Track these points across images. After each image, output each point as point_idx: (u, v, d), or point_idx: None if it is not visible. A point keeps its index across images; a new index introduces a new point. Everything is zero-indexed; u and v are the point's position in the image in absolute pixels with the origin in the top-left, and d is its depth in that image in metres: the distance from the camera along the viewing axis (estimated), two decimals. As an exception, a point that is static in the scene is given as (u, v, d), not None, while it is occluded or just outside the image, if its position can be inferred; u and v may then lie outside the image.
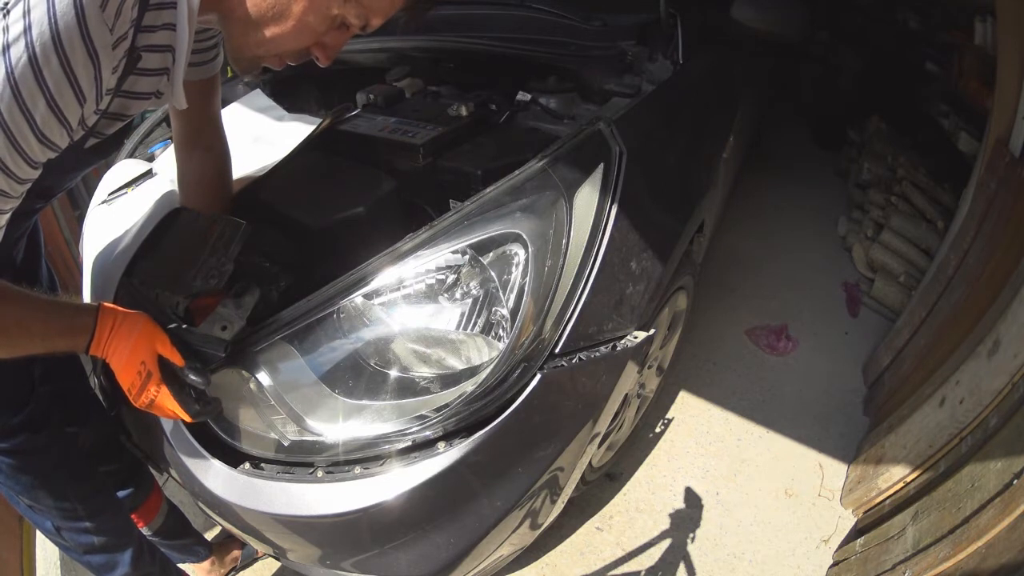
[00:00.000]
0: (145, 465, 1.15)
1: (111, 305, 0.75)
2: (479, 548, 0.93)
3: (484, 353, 0.88)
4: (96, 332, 0.72)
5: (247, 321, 0.85)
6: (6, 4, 0.49)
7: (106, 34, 0.53)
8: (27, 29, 0.48)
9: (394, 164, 1.19)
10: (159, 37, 0.60)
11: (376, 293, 0.89)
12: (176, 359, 0.75)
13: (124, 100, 0.65)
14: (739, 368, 1.87)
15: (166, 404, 0.75)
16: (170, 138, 1.24)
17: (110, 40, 0.54)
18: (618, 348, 0.98)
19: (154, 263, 0.91)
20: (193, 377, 0.75)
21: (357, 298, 0.89)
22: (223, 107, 1.48)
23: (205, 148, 0.97)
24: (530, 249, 0.88)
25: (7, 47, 0.49)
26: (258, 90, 1.57)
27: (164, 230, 0.93)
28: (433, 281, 0.90)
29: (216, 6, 0.64)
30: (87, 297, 1.20)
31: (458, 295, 0.90)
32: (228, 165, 1.03)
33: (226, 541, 1.38)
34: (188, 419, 0.77)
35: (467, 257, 0.89)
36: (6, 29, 0.48)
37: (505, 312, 0.88)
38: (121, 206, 1.27)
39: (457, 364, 0.89)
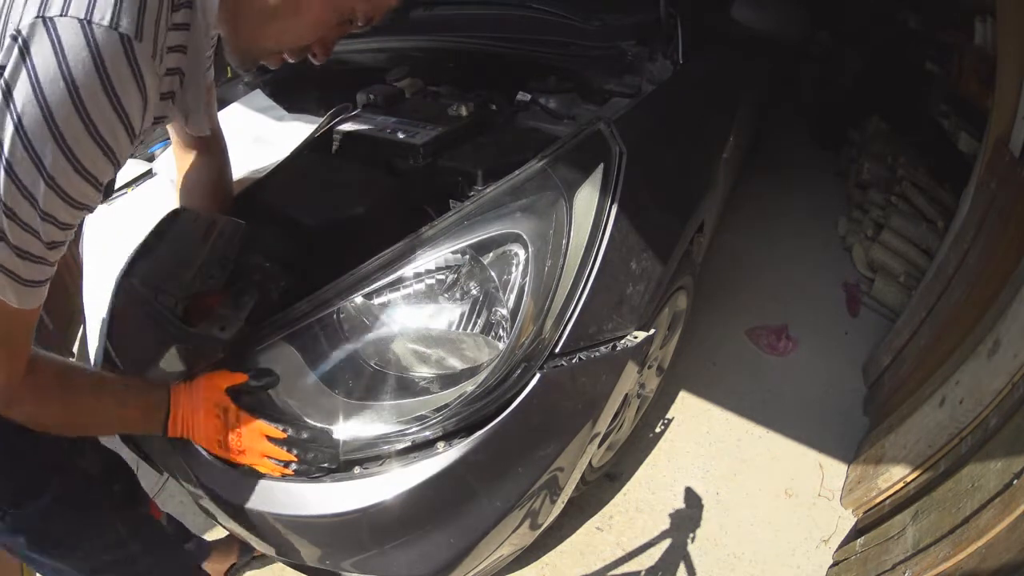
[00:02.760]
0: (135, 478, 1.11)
1: (177, 385, 0.78)
2: (479, 548, 0.93)
3: (484, 353, 0.88)
4: (171, 412, 0.76)
5: (246, 321, 0.85)
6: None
7: (156, 81, 0.52)
8: (67, 79, 0.46)
9: (394, 164, 1.19)
10: (169, 60, 0.59)
11: (376, 293, 0.90)
12: (238, 377, 0.78)
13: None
14: (739, 368, 1.87)
15: (255, 433, 0.78)
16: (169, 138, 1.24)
17: (157, 85, 0.53)
18: (618, 348, 0.98)
19: (153, 263, 0.92)
20: (254, 383, 0.79)
21: (357, 298, 0.89)
22: (223, 107, 1.49)
23: (203, 150, 0.97)
24: (530, 249, 0.89)
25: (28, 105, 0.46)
26: (258, 90, 1.57)
27: (163, 230, 0.93)
28: (433, 281, 0.90)
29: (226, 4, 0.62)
30: (87, 297, 1.20)
31: (458, 295, 0.90)
32: (227, 166, 1.03)
33: (225, 542, 1.37)
34: (280, 435, 0.79)
35: (467, 257, 0.89)
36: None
37: (505, 312, 0.88)
38: (121, 206, 1.27)
39: (457, 364, 0.89)
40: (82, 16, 0.46)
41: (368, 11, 0.68)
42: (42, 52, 0.45)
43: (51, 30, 0.45)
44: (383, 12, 0.70)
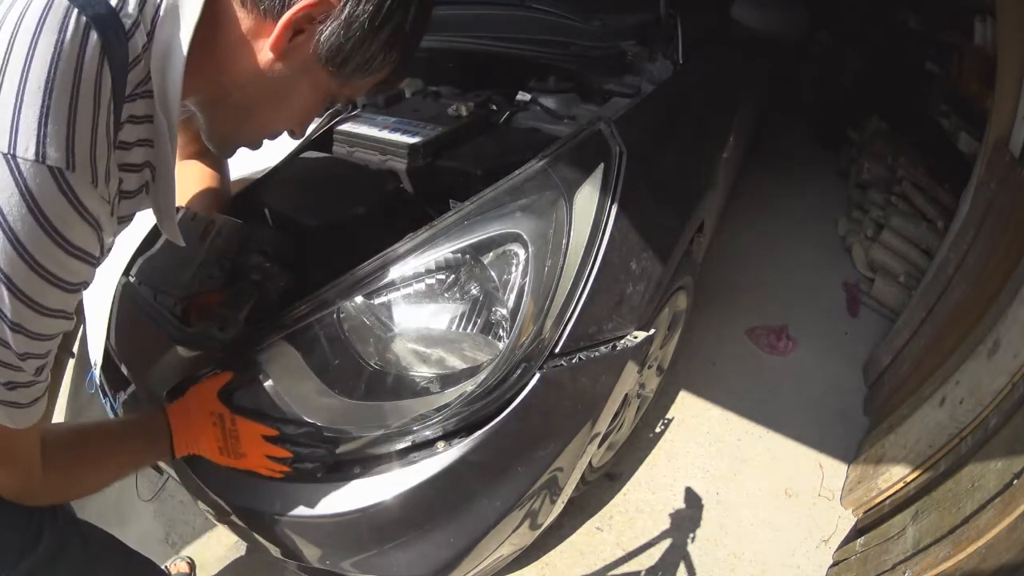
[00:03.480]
0: None
1: (172, 406, 0.78)
2: (479, 548, 0.93)
3: (484, 353, 0.88)
4: (173, 435, 0.76)
5: (245, 321, 0.85)
6: None
7: (105, 206, 0.47)
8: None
9: (394, 164, 1.19)
10: (136, 155, 0.52)
11: (376, 293, 0.89)
12: (224, 378, 0.80)
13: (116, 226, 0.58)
14: (739, 368, 1.87)
15: (252, 435, 0.78)
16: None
17: (108, 208, 0.48)
18: (618, 348, 0.98)
19: (152, 263, 0.92)
20: (242, 375, 0.81)
21: (357, 298, 0.89)
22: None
23: (200, 150, 0.97)
24: (530, 249, 0.89)
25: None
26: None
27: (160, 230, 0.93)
28: (433, 281, 0.90)
29: (201, 90, 0.56)
30: (87, 297, 1.20)
31: (458, 295, 0.90)
32: (224, 165, 1.02)
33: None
34: (274, 432, 0.79)
35: (467, 257, 0.89)
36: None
37: (505, 312, 0.88)
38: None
39: (457, 364, 0.89)
40: (5, 149, 0.40)
41: (350, 94, 0.65)
42: None
43: None
44: (361, 93, 0.68)
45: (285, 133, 0.67)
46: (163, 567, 1.33)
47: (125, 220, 0.58)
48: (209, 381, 0.80)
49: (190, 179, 0.98)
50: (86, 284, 0.51)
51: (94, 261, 0.49)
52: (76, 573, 0.82)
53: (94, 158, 0.44)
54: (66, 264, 0.46)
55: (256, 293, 0.87)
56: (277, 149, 1.23)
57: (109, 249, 0.53)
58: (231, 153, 0.68)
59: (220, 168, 1.01)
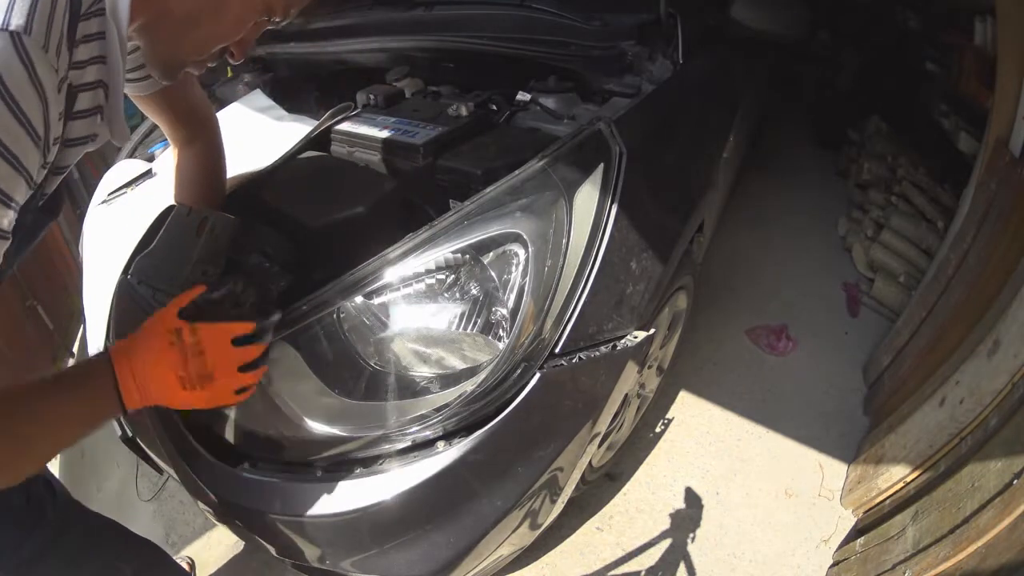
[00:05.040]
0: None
1: (116, 344, 0.66)
2: (479, 548, 0.93)
3: (484, 353, 0.88)
4: (118, 376, 0.62)
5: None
6: None
7: (53, 76, 0.49)
8: None
9: (394, 164, 1.19)
10: (90, 73, 0.55)
11: (376, 293, 0.90)
12: (192, 293, 0.68)
13: (63, 150, 0.59)
14: (739, 368, 1.87)
15: (220, 342, 0.65)
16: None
17: (55, 81, 0.50)
18: (618, 348, 0.98)
19: (149, 260, 0.92)
20: (215, 293, 0.69)
21: (357, 298, 0.89)
22: (223, 108, 1.49)
23: (187, 142, 0.96)
24: (530, 249, 0.89)
25: None
26: (258, 90, 1.57)
27: (158, 227, 0.93)
28: (433, 281, 0.90)
29: (148, 9, 0.59)
30: (87, 297, 1.20)
31: (458, 295, 0.90)
32: (215, 159, 1.00)
33: None
34: (248, 328, 0.68)
35: (467, 257, 0.89)
36: None
37: (505, 312, 0.88)
38: (121, 206, 1.27)
39: (457, 364, 0.89)
40: None
41: (285, 5, 0.67)
42: None
43: None
44: (299, 6, 0.69)
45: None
46: None
47: (78, 143, 0.59)
48: (171, 304, 0.68)
49: (181, 173, 0.97)
50: (23, 167, 0.49)
51: (36, 139, 0.49)
52: (79, 550, 0.83)
53: (50, 27, 0.47)
54: (12, 132, 0.47)
55: (254, 292, 0.87)
56: (277, 150, 1.23)
57: (54, 143, 0.53)
58: (175, 76, 0.68)
59: (207, 162, 0.99)
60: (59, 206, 0.73)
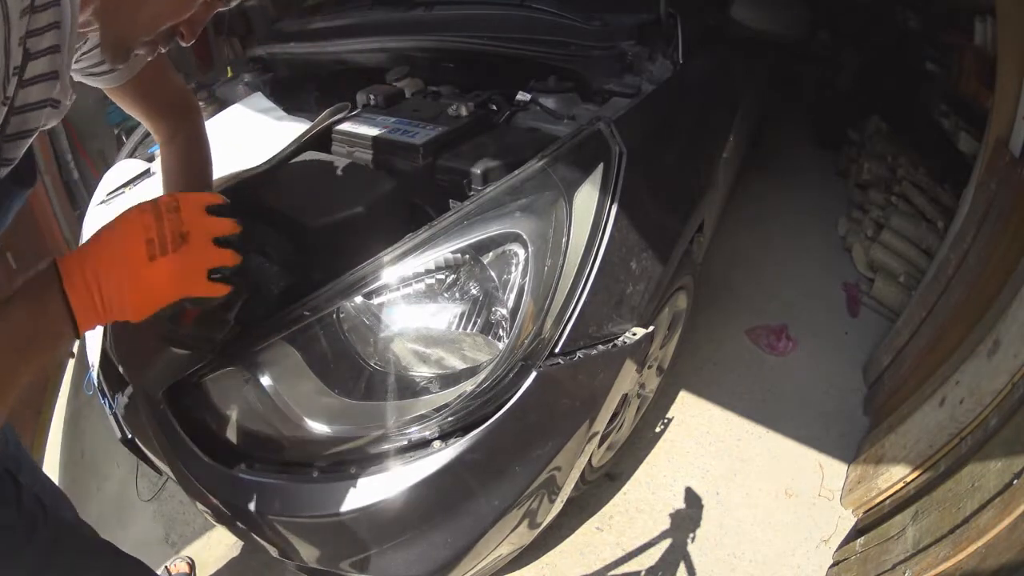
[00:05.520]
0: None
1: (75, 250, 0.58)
2: (477, 547, 0.93)
3: (484, 353, 0.88)
4: (64, 280, 0.54)
5: (236, 320, 0.84)
6: None
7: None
8: None
9: (394, 164, 1.19)
10: (48, 39, 0.54)
11: (376, 293, 0.89)
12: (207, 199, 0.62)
13: (19, 116, 0.56)
14: (739, 368, 1.87)
15: (194, 207, 0.60)
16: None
17: (20, 7, 0.48)
18: (616, 345, 0.98)
19: None
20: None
21: (357, 298, 0.89)
22: (223, 108, 1.49)
23: (169, 137, 0.95)
24: (530, 249, 0.89)
25: None
26: (258, 91, 1.57)
27: None
28: (433, 281, 0.90)
29: None
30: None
31: (458, 295, 0.90)
32: (199, 151, 0.99)
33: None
34: (220, 200, 0.63)
35: (467, 257, 0.89)
36: None
37: (505, 312, 0.88)
38: (120, 206, 1.27)
39: (457, 364, 0.89)
40: None
41: None
42: None
43: None
44: None
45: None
46: (163, 567, 1.33)
47: (29, 110, 0.56)
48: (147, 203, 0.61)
49: (171, 171, 0.97)
50: None
51: (6, 40, 0.47)
52: (70, 569, 0.82)
53: None
54: None
55: (248, 292, 0.86)
56: (276, 150, 1.23)
57: (13, 73, 0.51)
58: (126, 58, 0.67)
59: (200, 156, 0.98)
60: (31, 177, 0.68)
